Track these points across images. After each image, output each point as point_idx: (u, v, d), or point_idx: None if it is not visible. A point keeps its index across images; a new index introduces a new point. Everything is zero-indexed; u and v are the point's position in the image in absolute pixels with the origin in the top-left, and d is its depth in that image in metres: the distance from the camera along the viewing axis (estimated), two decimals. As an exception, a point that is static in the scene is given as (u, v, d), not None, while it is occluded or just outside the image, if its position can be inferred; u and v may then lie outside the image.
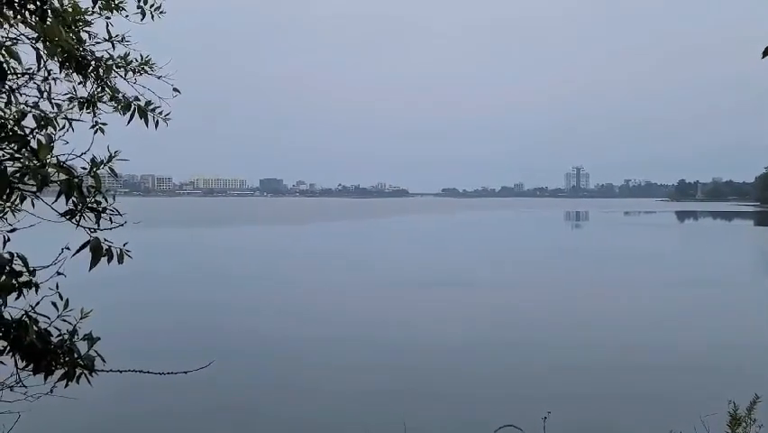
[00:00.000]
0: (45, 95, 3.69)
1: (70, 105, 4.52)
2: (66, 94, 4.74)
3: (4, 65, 3.14)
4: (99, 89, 5.09)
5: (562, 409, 14.82)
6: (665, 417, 14.52)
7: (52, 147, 3.04)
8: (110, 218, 3.46)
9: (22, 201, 3.55)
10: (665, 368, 19.67)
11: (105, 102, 4.86)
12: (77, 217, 3.35)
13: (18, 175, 3.17)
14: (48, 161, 3.06)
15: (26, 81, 3.71)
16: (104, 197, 3.44)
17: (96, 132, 4.36)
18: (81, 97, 4.82)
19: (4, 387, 6.35)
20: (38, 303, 3.27)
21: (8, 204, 3.55)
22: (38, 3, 3.76)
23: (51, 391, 6.22)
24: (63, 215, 3.35)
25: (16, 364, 3.24)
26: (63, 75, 4.47)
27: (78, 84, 4.90)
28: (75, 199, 3.31)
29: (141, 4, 4.94)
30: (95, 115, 4.55)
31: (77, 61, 4.64)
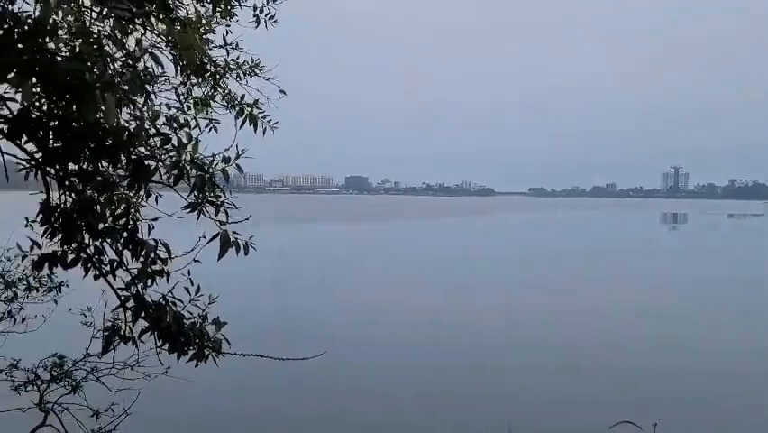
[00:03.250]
0: (183, 97, 4.02)
1: (187, 106, 4.93)
2: (182, 95, 5.17)
3: (150, 69, 3.46)
4: (212, 90, 5.51)
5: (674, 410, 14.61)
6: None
7: (197, 142, 3.33)
8: (226, 211, 3.76)
9: (147, 197, 3.92)
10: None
11: (216, 101, 5.26)
12: (198, 210, 3.68)
13: (153, 168, 3.53)
14: (184, 157, 3.39)
15: (163, 84, 4.06)
16: (222, 191, 3.74)
17: (209, 129, 4.74)
18: (196, 98, 5.24)
19: (126, 366, 7.03)
20: (173, 288, 3.61)
21: (137, 198, 3.91)
22: (167, 12, 4.13)
23: (166, 372, 6.80)
24: (185, 208, 3.67)
25: (156, 344, 3.57)
26: (181, 77, 4.87)
27: (194, 86, 5.33)
28: (196, 194, 3.63)
29: (257, 13, 5.30)
30: (208, 115, 4.95)
31: (196, 65, 5.06)
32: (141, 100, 3.58)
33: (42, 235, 3.50)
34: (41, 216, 3.43)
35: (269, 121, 4.68)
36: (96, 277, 3.52)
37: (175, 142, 3.46)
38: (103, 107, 3.15)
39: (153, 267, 3.48)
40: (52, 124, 3.37)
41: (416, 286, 36.60)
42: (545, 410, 16.00)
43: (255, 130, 4.58)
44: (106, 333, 3.74)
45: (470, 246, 65.55)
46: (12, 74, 2.99)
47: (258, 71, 5.75)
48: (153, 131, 3.47)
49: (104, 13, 3.22)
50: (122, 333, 3.70)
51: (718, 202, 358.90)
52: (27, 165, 3.56)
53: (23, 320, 7.07)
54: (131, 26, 3.70)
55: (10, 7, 3.13)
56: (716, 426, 15.32)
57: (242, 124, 4.53)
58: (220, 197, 3.69)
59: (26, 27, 3.05)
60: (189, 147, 3.43)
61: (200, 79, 4.99)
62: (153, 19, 4.09)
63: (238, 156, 3.56)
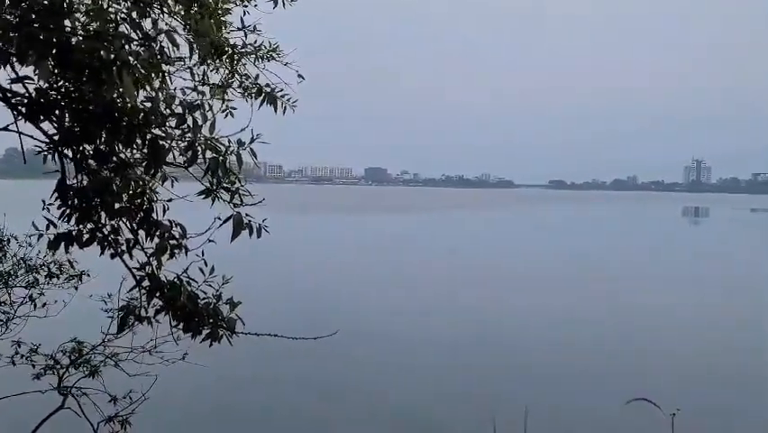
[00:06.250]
0: (198, 78, 4.03)
1: (204, 91, 4.94)
2: (197, 76, 5.17)
3: (167, 50, 3.48)
4: (230, 75, 5.51)
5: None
6: None
7: (214, 122, 3.35)
8: (240, 198, 3.77)
9: (163, 182, 3.94)
10: None
11: (234, 87, 5.26)
12: (213, 196, 3.69)
13: (167, 149, 3.55)
14: (200, 138, 3.41)
15: (181, 66, 4.08)
16: (237, 178, 3.75)
17: (225, 116, 4.73)
18: (214, 83, 5.25)
19: (144, 351, 7.13)
20: (187, 268, 3.65)
21: (153, 181, 3.95)
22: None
23: (183, 358, 6.87)
24: (200, 194, 3.70)
25: (171, 323, 3.61)
26: (198, 61, 4.87)
27: (211, 71, 5.34)
28: (210, 179, 3.65)
29: (275, -5, 5.29)
30: (224, 101, 4.93)
31: (214, 49, 5.06)
32: (158, 81, 3.61)
33: (59, 218, 3.56)
34: (56, 195, 3.47)
35: (288, 100, 4.64)
36: (112, 256, 3.57)
37: (190, 123, 3.47)
38: (120, 87, 3.20)
39: (171, 242, 3.50)
40: (69, 104, 3.42)
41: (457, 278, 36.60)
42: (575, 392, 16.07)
43: (275, 110, 4.55)
44: (122, 312, 3.79)
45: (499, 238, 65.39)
46: (30, 53, 3.03)
47: (276, 55, 5.74)
48: (168, 112, 3.49)
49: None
50: (137, 312, 3.73)
51: (741, 197, 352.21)
52: (45, 147, 3.61)
53: (44, 305, 7.18)
54: (148, 8, 3.73)
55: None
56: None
57: (261, 103, 4.50)
58: (235, 183, 3.71)
59: (43, 6, 3.09)
60: (205, 128, 3.43)
61: (217, 62, 4.98)
62: (171, 1, 4.12)
63: (253, 140, 3.56)
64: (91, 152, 3.57)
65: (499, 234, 74.34)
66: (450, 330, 22.91)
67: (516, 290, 32.66)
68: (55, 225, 3.53)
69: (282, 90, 4.53)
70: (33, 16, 3.07)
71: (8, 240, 7.00)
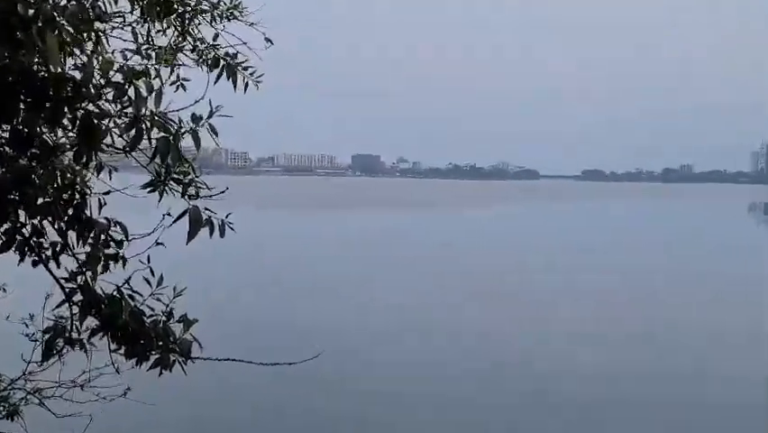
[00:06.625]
0: (142, 40, 4.01)
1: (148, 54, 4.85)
2: (141, 37, 5.10)
3: (102, 4, 3.47)
4: (180, 37, 5.45)
5: None
6: None
7: (161, 95, 3.32)
8: (197, 190, 3.73)
9: (99, 171, 3.90)
10: None
11: (185, 53, 5.18)
12: (161, 189, 3.65)
13: (104, 130, 3.50)
14: (143, 114, 3.38)
15: (119, 24, 4.06)
16: (191, 166, 3.72)
17: (176, 88, 4.67)
18: (161, 46, 5.18)
19: (75, 385, 7.09)
20: (129, 278, 3.62)
21: (86, 170, 3.90)
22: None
23: (125, 394, 6.84)
24: (146, 186, 3.66)
25: (109, 347, 3.58)
26: (140, 18, 4.82)
27: (158, 33, 5.29)
28: (158, 167, 3.62)
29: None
30: (172, 70, 4.85)
31: (159, 5, 5.02)
32: (91, 43, 3.58)
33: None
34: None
35: (251, 74, 4.62)
36: (34, 264, 3.54)
37: (132, 95, 3.44)
38: (43, 50, 3.16)
39: (106, 250, 3.48)
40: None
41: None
42: None
43: (235, 86, 4.53)
44: (47, 335, 3.76)
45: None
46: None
47: (238, 14, 5.70)
48: (104, 81, 3.45)
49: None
50: (67, 335, 3.71)
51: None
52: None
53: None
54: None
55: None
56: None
57: (219, 77, 4.47)
58: (188, 173, 3.68)
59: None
60: (150, 101, 3.40)
61: (165, 21, 4.94)
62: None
63: (212, 114, 3.50)
64: (6, 135, 3.53)
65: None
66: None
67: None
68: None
69: (247, 60, 4.50)
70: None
71: None
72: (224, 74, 4.52)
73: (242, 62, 4.86)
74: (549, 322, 30.33)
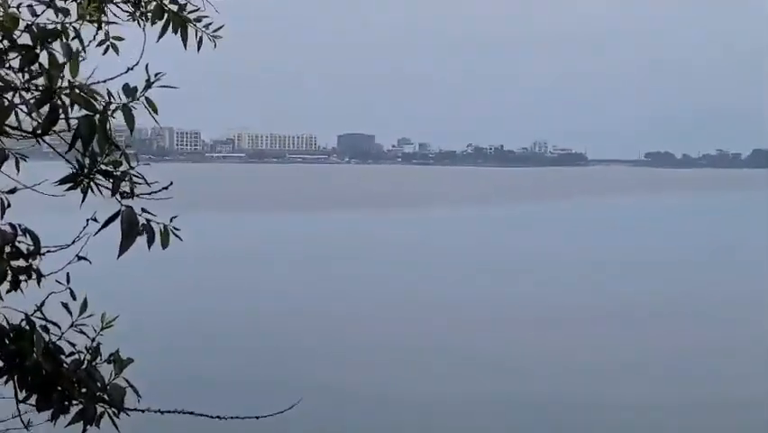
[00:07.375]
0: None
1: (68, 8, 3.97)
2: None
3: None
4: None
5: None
6: None
7: (78, 57, 2.79)
8: (131, 188, 3.07)
9: (1, 162, 3.18)
10: None
11: (117, 4, 4.24)
12: (85, 185, 3.02)
13: (7, 106, 2.87)
14: (59, 85, 2.78)
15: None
16: (124, 153, 3.05)
17: (105, 51, 3.79)
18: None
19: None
20: (42, 303, 3.03)
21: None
22: None
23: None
24: (64, 181, 3.04)
25: (16, 395, 2.93)
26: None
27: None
28: (80, 157, 2.99)
29: None
30: (99, 27, 3.94)
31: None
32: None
33: None
34: None
35: (206, 27, 3.74)
36: None
37: (45, 61, 2.86)
38: None
39: (12, 264, 2.92)
40: None
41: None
42: None
43: (185, 42, 3.66)
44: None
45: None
46: None
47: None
48: (7, 44, 2.89)
49: None
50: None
51: None
52: None
53: None
54: None
55: None
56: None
57: (164, 31, 3.61)
58: (120, 164, 3.05)
59: None
60: (67, 69, 2.80)
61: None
62: None
63: (149, 84, 2.92)
64: None
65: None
66: None
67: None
68: None
69: (199, 9, 3.66)
70: None
71: None
72: (170, 28, 3.64)
73: (194, 11, 3.95)
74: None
